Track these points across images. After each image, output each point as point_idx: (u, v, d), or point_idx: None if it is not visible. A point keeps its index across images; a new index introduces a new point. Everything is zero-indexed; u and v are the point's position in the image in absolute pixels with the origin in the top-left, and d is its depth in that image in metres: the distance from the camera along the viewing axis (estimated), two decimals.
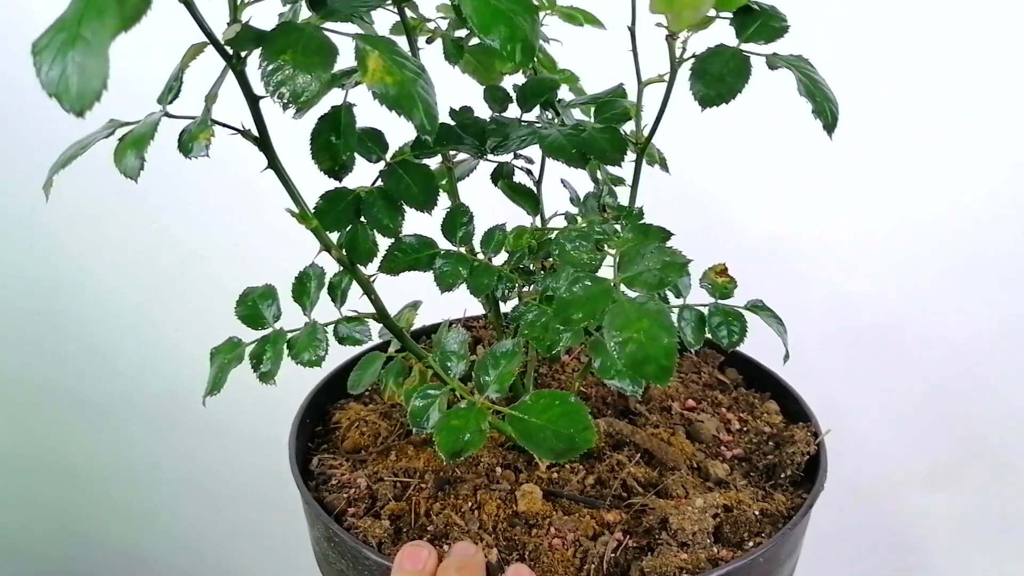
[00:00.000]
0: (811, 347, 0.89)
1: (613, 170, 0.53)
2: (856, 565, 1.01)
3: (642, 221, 0.43)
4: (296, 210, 0.39)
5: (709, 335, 0.47)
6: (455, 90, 0.49)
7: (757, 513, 0.49)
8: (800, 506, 0.48)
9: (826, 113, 0.33)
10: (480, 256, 0.47)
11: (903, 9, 0.78)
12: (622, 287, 0.34)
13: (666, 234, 0.37)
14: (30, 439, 1.04)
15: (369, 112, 0.42)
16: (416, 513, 0.48)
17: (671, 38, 0.35)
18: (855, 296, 0.92)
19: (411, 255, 0.45)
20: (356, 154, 0.42)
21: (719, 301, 0.48)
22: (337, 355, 0.59)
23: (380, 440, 0.56)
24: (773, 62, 0.34)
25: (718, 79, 0.33)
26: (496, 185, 0.54)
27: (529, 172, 0.56)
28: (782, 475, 0.52)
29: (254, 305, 0.47)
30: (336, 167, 0.41)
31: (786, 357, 0.50)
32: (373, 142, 0.44)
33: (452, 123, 0.48)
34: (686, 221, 0.46)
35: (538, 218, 0.54)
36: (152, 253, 0.95)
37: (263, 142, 0.36)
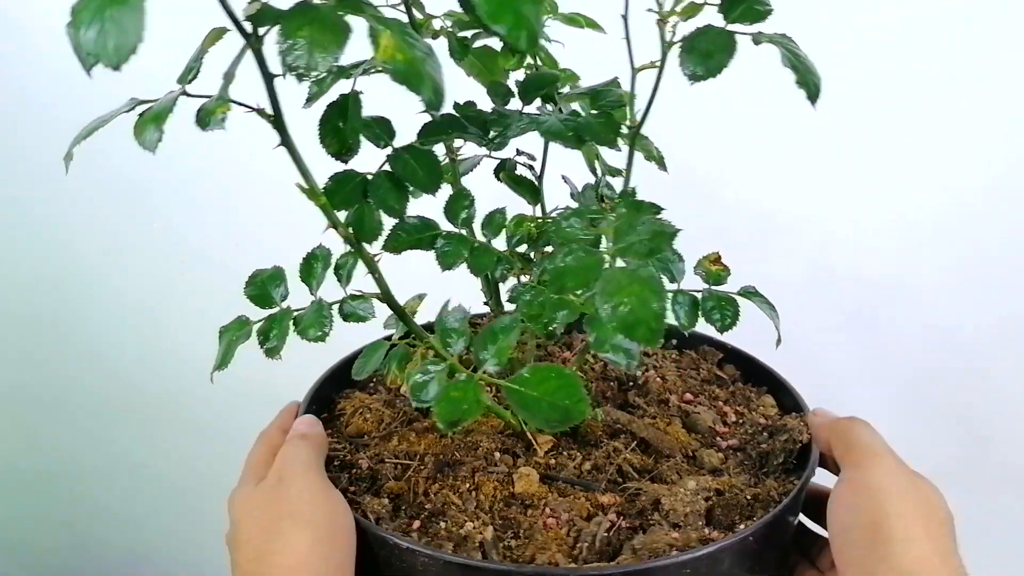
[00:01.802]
0: (809, 344, 0.90)
1: (611, 161, 0.55)
2: None
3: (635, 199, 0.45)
4: (306, 186, 0.40)
5: (703, 319, 0.48)
6: (461, 89, 0.52)
7: (749, 498, 0.49)
8: (791, 491, 0.49)
9: (809, 84, 0.35)
10: (481, 239, 0.49)
11: (903, 8, 0.81)
12: (616, 259, 0.36)
13: (657, 208, 0.39)
14: (29, 439, 1.04)
15: (376, 106, 0.44)
16: (415, 492, 0.49)
17: (661, 23, 0.37)
18: (855, 293, 0.92)
19: (414, 235, 0.47)
20: (365, 140, 0.44)
21: (712, 287, 0.50)
22: (342, 349, 0.61)
23: (383, 426, 0.57)
24: (758, 39, 0.36)
25: (705, 55, 0.35)
26: (498, 178, 0.56)
27: (531, 167, 0.58)
28: (774, 462, 0.53)
29: (262, 285, 0.49)
30: (343, 151, 0.43)
31: (779, 341, 0.52)
32: (381, 129, 0.46)
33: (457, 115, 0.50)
34: (683, 212, 0.48)
35: (538, 208, 0.55)
36: (152, 252, 0.96)
37: (277, 119, 0.38)
